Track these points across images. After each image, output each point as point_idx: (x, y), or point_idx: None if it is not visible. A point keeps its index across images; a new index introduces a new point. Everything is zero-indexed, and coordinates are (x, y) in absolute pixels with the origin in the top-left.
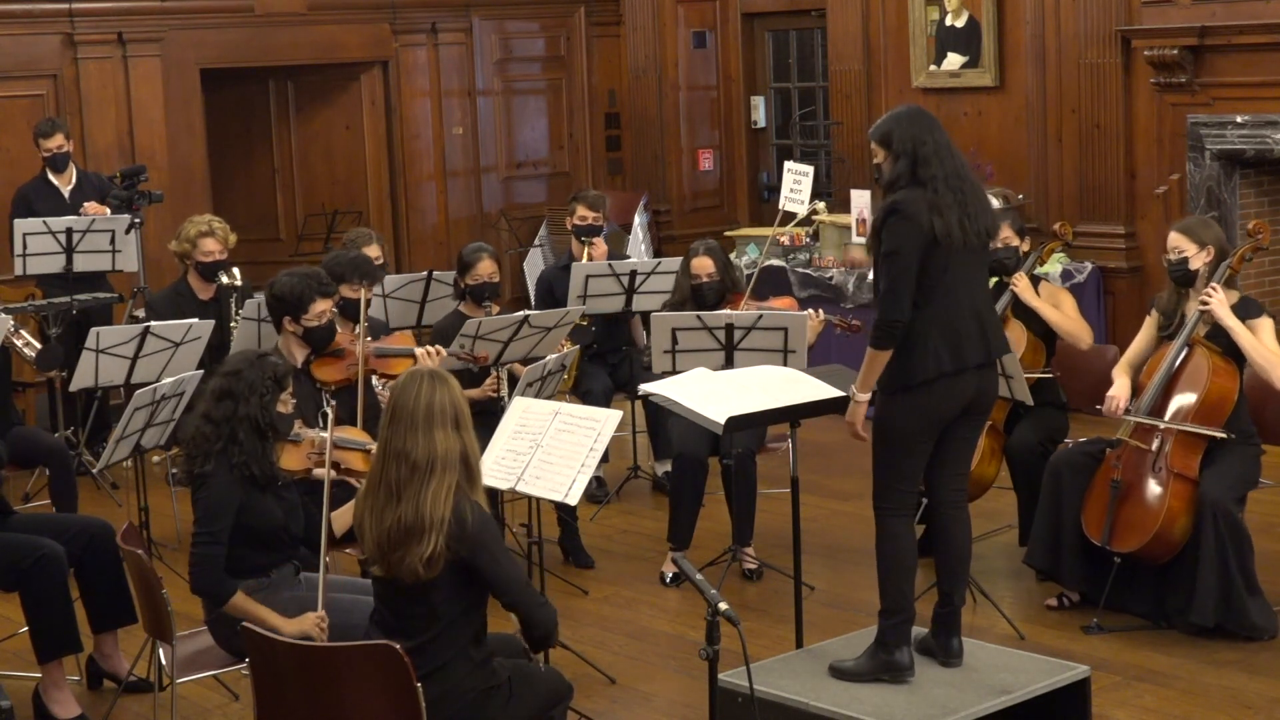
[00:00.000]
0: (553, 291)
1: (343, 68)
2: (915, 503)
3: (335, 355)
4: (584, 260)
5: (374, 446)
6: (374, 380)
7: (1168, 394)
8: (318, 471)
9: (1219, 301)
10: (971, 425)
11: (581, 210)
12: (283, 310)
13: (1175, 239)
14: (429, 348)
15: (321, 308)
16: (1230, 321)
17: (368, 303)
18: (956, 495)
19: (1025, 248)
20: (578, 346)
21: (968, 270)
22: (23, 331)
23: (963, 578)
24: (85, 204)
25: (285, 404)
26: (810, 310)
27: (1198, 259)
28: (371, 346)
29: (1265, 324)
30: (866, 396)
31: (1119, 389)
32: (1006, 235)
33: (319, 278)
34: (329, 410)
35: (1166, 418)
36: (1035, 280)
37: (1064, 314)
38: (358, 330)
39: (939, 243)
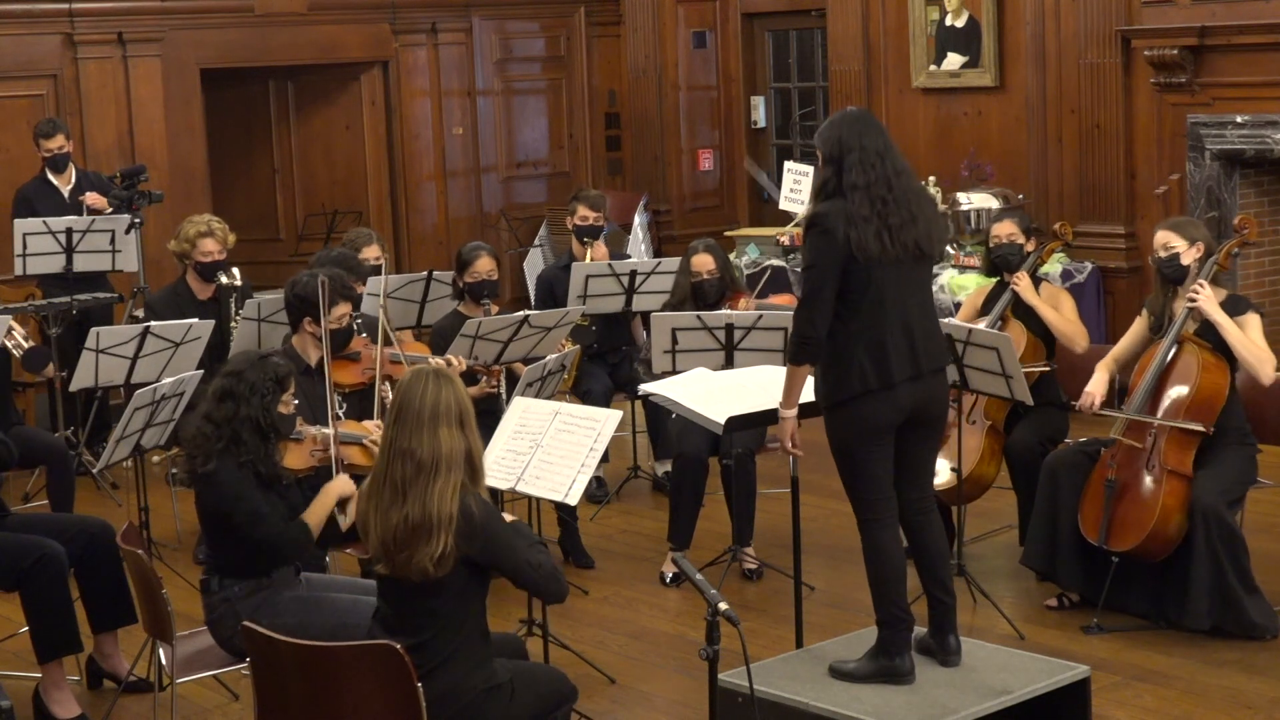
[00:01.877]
0: (553, 291)
1: (343, 68)
2: (894, 508)
3: (350, 358)
4: (585, 260)
5: (372, 439)
6: (386, 385)
7: (1159, 391)
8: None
9: (1206, 297)
10: (923, 437)
11: (583, 210)
12: (305, 310)
13: (1165, 236)
14: (449, 357)
15: (343, 310)
16: (1218, 317)
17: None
18: (922, 505)
19: (1030, 247)
20: (578, 346)
21: (897, 283)
22: (14, 334)
23: (944, 577)
24: (85, 193)
25: (287, 405)
26: None
27: (1189, 254)
28: (389, 352)
29: (1253, 320)
30: (792, 412)
31: (1095, 385)
32: (1011, 232)
33: (343, 280)
34: (340, 414)
35: (1159, 415)
36: (1037, 280)
37: (1062, 316)
38: (365, 336)
39: (855, 257)
